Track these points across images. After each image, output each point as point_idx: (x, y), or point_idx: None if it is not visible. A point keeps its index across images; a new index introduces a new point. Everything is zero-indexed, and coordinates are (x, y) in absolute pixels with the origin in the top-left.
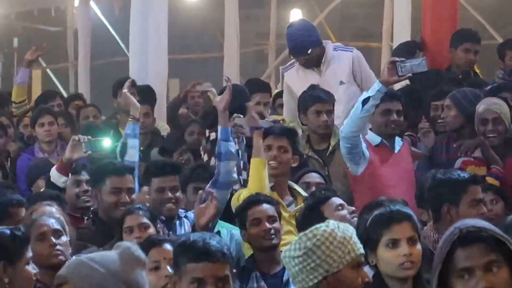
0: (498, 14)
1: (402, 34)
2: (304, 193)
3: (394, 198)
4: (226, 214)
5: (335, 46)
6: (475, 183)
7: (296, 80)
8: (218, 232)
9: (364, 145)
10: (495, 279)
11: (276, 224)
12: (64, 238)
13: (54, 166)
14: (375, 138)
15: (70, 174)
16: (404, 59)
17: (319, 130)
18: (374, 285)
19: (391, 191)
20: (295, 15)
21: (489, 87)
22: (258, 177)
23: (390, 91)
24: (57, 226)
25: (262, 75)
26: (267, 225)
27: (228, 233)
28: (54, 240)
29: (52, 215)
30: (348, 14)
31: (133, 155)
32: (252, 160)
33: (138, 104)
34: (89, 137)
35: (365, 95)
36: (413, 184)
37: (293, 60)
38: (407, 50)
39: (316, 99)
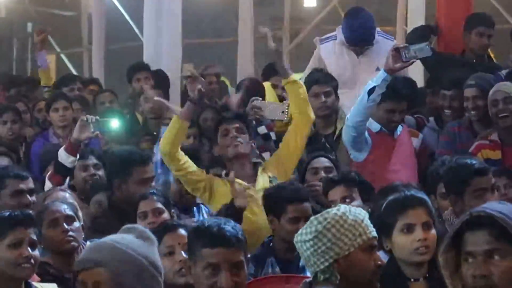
0: None
1: (417, 18)
2: (256, 160)
3: (409, 183)
4: None
5: (379, 31)
6: (479, 174)
7: (332, 54)
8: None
9: (366, 132)
10: (494, 268)
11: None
12: (77, 224)
13: (62, 147)
14: (375, 125)
15: (77, 158)
16: (407, 45)
17: (319, 112)
18: (389, 270)
19: (392, 177)
20: None
21: (505, 71)
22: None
23: (398, 90)
24: (69, 212)
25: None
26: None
27: None
28: (66, 226)
29: (65, 201)
30: None
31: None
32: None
33: (173, 107)
34: (97, 117)
35: (370, 84)
36: (414, 168)
37: (332, 34)
38: (421, 34)
39: (313, 82)
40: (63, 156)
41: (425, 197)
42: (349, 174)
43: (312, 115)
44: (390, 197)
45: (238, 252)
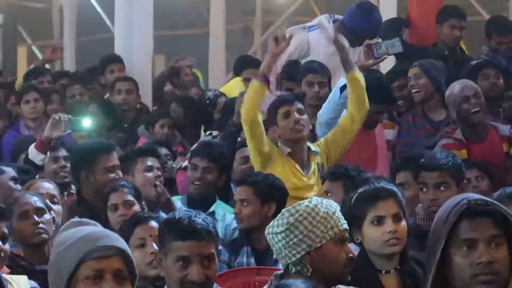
0: None
1: (389, 10)
2: (314, 148)
3: (379, 175)
4: (224, 194)
5: None
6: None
7: (320, 43)
8: (213, 213)
9: None
10: (496, 254)
11: (304, 116)
12: (47, 216)
13: (33, 144)
14: None
15: (48, 152)
16: (379, 41)
17: (311, 101)
18: (359, 262)
19: (366, 169)
20: None
21: (473, 62)
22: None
23: (387, 92)
24: (40, 204)
25: (248, 51)
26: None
27: (223, 215)
28: (36, 218)
29: (34, 193)
30: None
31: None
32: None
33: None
34: (70, 116)
35: (343, 81)
36: (387, 160)
37: (313, 23)
38: (393, 26)
39: (309, 70)
40: (33, 154)
41: (394, 188)
42: (334, 168)
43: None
44: (360, 189)
45: (209, 244)
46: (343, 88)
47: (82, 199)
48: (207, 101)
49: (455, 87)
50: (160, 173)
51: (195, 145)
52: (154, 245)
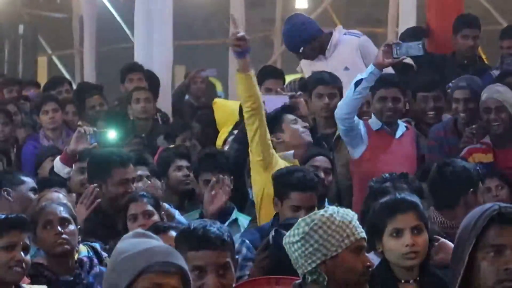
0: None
1: (408, 20)
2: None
3: (400, 185)
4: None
5: (346, 32)
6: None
7: (307, 65)
8: (236, 220)
9: (364, 129)
10: None
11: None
12: (72, 227)
13: (58, 157)
14: (376, 123)
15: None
16: (400, 42)
17: (322, 113)
18: (380, 271)
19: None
20: (301, 1)
21: (496, 72)
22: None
23: (387, 77)
24: (65, 214)
25: (267, 61)
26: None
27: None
28: (60, 228)
29: (61, 203)
30: (354, 0)
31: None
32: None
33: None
34: (95, 128)
35: (358, 77)
36: (413, 170)
37: None
38: (414, 35)
39: (319, 81)
40: (59, 167)
41: (415, 200)
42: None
43: None
44: (382, 200)
45: (224, 253)
46: (357, 84)
47: (98, 208)
48: None
49: (484, 94)
50: (149, 182)
51: (197, 161)
52: None
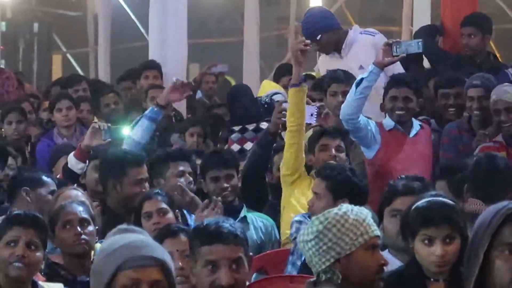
0: None
1: (422, 18)
2: None
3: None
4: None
5: (362, 30)
6: None
7: (324, 63)
8: (245, 217)
9: (376, 129)
10: None
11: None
12: (91, 228)
13: (72, 152)
14: (389, 123)
15: (88, 160)
16: (400, 40)
17: (336, 111)
18: (410, 268)
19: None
20: None
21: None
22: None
23: (399, 77)
24: (84, 215)
25: (282, 59)
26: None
27: (254, 219)
28: (79, 229)
29: (81, 203)
30: None
31: (138, 133)
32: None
33: (166, 94)
34: (109, 124)
35: (359, 77)
36: (428, 169)
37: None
38: (428, 33)
39: (333, 80)
40: (73, 162)
41: (450, 213)
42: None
43: None
44: (418, 203)
45: (237, 248)
46: (358, 84)
47: (107, 208)
48: (265, 106)
49: (494, 95)
50: (191, 178)
51: (202, 161)
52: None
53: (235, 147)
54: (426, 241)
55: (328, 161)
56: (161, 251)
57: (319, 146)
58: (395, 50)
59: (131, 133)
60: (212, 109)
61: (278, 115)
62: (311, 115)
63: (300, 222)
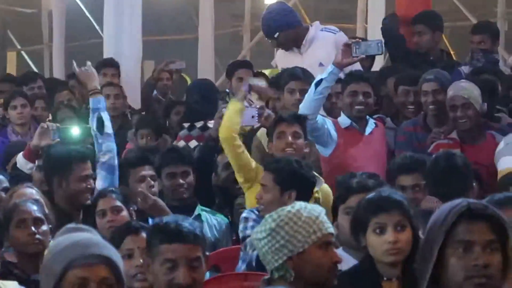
0: None
1: (377, 15)
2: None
3: (383, 181)
4: (207, 200)
5: (323, 28)
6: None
7: (282, 59)
8: (199, 215)
9: (333, 127)
10: (491, 259)
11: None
12: (45, 227)
13: (21, 153)
14: (345, 121)
15: (36, 164)
16: (360, 40)
17: (293, 109)
18: (363, 267)
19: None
20: None
21: (465, 68)
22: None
23: (358, 72)
24: (38, 214)
25: (237, 56)
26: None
27: (208, 217)
28: (34, 228)
29: (35, 201)
30: None
31: (110, 128)
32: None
33: (96, 75)
34: (58, 124)
35: (318, 77)
36: (383, 166)
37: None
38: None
39: (291, 77)
40: (22, 162)
41: (400, 198)
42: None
43: None
44: (367, 196)
45: (196, 248)
46: (318, 84)
47: (54, 205)
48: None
49: (450, 90)
50: (153, 182)
51: (158, 157)
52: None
53: (181, 144)
54: (378, 230)
55: (285, 149)
56: (109, 249)
57: (276, 133)
58: (354, 51)
59: (108, 130)
60: (173, 108)
61: (217, 120)
62: (252, 117)
63: (246, 218)
